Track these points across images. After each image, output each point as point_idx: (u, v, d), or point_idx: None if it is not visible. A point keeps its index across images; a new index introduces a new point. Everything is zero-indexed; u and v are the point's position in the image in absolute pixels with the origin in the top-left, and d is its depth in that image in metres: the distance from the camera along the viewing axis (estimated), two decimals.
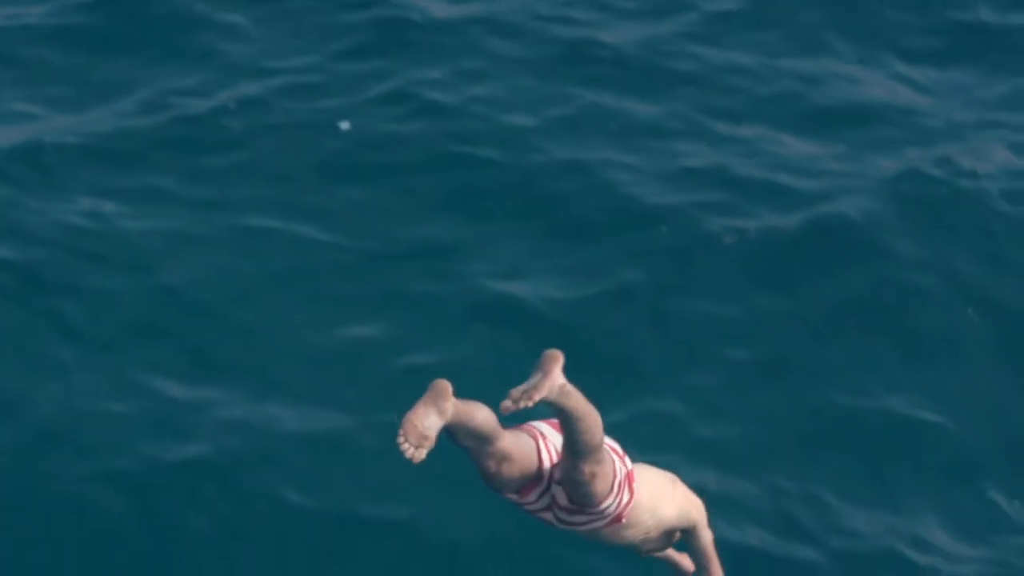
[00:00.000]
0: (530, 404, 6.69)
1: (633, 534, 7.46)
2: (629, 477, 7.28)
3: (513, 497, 7.22)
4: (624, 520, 7.30)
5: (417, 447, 6.55)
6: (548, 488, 7.19)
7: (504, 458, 7.01)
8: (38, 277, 12.53)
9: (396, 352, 11.94)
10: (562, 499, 7.19)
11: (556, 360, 6.91)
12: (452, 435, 6.82)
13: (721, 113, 14.76)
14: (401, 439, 6.55)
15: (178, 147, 14.00)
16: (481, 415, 6.81)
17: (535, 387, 6.76)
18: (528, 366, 10.27)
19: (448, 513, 10.55)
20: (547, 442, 7.19)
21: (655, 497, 7.45)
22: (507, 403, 6.70)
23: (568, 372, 11.32)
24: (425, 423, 6.57)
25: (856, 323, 12.44)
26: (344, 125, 14.29)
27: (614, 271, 12.85)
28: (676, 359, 11.93)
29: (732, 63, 15.29)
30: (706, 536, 7.80)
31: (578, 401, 6.92)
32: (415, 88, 14.80)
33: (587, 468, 7.01)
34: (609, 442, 7.21)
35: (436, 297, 12.47)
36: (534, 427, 7.27)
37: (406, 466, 10.52)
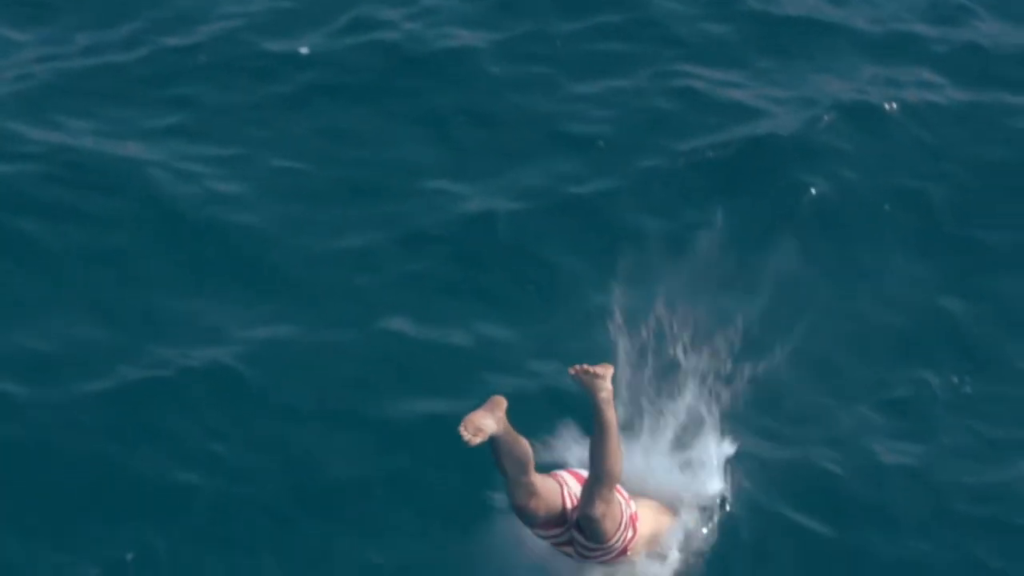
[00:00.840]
0: (590, 372, 8.46)
1: (632, 558, 9.17)
2: (633, 518, 9.02)
3: (541, 531, 8.95)
4: (628, 553, 9.04)
5: (473, 435, 8.34)
6: (569, 528, 8.90)
7: (533, 493, 8.71)
8: (20, 195, 12.75)
9: (370, 267, 12.26)
10: (580, 537, 8.89)
11: (610, 369, 8.63)
12: (496, 453, 8.55)
13: (655, 25, 15.11)
14: (462, 428, 8.33)
15: (153, 79, 14.24)
16: (523, 445, 8.59)
17: (595, 368, 8.48)
18: (494, 279, 11.00)
19: (425, 409, 10.86)
20: (570, 489, 8.91)
21: (652, 529, 9.24)
22: (576, 367, 8.49)
23: (529, 275, 12.11)
24: (482, 422, 8.38)
25: (791, 229, 12.79)
26: (303, 50, 14.55)
27: (563, 185, 13.20)
28: (625, 262, 12.08)
29: None
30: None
31: (613, 416, 8.61)
32: (372, 13, 15.05)
33: (600, 506, 8.68)
34: (619, 488, 8.91)
35: (403, 214, 12.78)
36: (560, 475, 8.98)
37: (383, 366, 11.25)
